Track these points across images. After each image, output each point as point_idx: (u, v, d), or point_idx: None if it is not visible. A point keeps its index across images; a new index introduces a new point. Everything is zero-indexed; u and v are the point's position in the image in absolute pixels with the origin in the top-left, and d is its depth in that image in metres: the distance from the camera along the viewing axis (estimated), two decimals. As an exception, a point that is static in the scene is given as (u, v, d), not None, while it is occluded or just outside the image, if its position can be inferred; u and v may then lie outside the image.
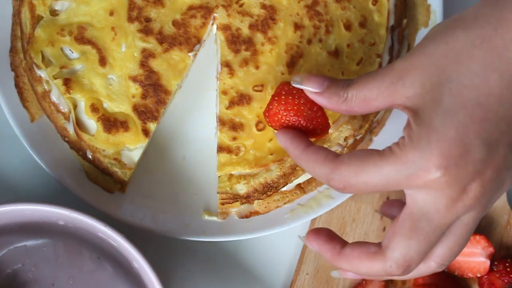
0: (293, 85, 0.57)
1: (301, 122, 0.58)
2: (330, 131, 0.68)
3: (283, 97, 0.58)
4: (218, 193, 0.69)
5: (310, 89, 0.56)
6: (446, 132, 0.49)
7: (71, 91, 0.67)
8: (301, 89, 0.57)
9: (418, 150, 0.50)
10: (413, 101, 0.51)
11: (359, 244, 0.55)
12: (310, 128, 0.58)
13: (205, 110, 0.73)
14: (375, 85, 0.53)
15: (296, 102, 0.58)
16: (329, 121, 0.60)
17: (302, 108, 0.58)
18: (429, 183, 0.50)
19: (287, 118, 0.58)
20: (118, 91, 0.68)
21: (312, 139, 0.60)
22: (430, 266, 0.54)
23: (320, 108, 0.58)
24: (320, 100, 0.56)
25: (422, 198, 0.51)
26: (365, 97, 0.53)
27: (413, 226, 0.52)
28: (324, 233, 0.56)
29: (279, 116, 0.58)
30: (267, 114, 0.59)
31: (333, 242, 0.56)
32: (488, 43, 0.50)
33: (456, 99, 0.50)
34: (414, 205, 0.51)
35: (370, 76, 0.53)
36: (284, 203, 0.71)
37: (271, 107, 0.59)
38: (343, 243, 0.55)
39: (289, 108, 0.58)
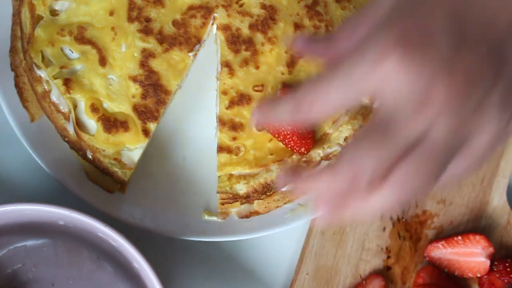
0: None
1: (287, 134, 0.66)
2: (330, 131, 0.68)
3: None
4: (218, 193, 0.69)
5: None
6: (412, 12, 0.43)
7: (71, 91, 0.67)
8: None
9: (375, 28, 0.43)
10: None
11: None
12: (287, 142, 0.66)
13: (205, 110, 0.73)
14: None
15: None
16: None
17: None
18: (389, 69, 0.42)
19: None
20: (118, 91, 0.68)
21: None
22: (384, 193, 0.43)
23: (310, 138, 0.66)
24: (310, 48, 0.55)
25: (385, 94, 0.43)
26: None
27: (369, 126, 0.44)
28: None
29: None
30: None
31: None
32: None
33: None
34: (381, 107, 0.44)
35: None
36: (284, 203, 0.71)
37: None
38: None
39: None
